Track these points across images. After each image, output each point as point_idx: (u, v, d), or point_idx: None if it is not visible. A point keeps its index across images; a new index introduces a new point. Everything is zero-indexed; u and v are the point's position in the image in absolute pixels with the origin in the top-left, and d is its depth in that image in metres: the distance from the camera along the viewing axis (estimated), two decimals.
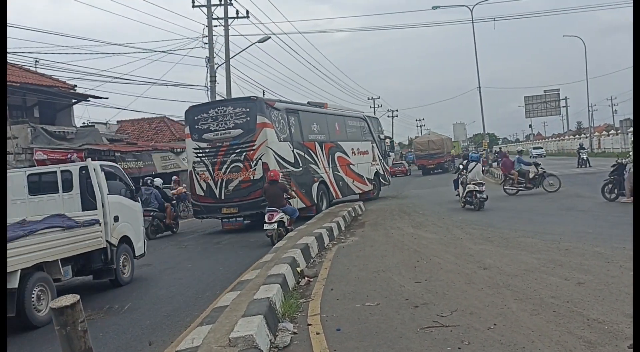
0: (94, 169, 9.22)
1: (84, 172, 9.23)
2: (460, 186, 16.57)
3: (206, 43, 26.64)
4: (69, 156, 19.08)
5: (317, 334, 5.23)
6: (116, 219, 9.35)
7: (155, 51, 35.39)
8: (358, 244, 10.73)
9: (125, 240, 9.63)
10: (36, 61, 23.61)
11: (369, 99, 69.37)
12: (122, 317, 7.09)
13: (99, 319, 7.11)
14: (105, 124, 30.60)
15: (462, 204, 15.60)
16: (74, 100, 24.29)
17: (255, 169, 14.65)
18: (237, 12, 27.56)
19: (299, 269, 7.94)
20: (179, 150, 26.84)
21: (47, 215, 8.58)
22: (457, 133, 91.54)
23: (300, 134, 16.84)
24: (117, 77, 30.00)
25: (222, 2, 26.86)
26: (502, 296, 5.88)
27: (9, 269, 6.61)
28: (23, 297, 6.85)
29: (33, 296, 7.00)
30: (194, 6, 26.12)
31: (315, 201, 16.73)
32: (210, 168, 15.10)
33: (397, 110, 75.82)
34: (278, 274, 6.93)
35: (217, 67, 27.39)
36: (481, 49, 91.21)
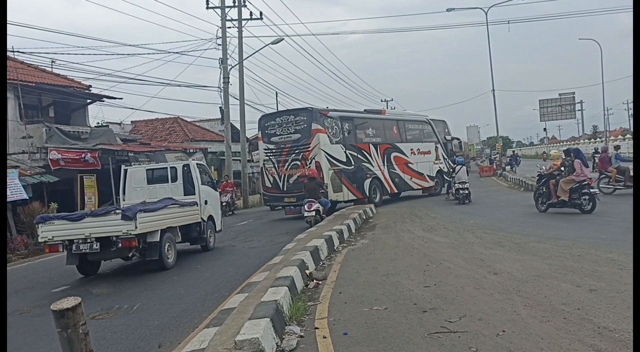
0: (193, 166, 12.94)
1: (186, 168, 12.94)
2: (451, 186, 19.68)
3: (220, 44, 26.77)
4: (82, 156, 19.24)
5: (324, 337, 5.20)
6: (205, 202, 12.91)
7: (169, 52, 35.72)
8: (368, 247, 10.68)
9: (211, 218, 13.22)
10: (52, 61, 23.87)
11: (382, 101, 69.16)
12: (131, 317, 7.12)
13: (108, 319, 7.15)
14: (119, 124, 30.85)
15: (456, 199, 18.78)
16: (88, 101, 24.51)
17: (310, 167, 17.47)
18: (251, 13, 27.71)
19: (307, 271, 7.92)
20: (191, 151, 26.98)
21: (160, 198, 11.89)
22: (470, 136, 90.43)
23: (354, 137, 19.79)
24: (131, 78, 30.15)
25: (236, 4, 26.97)
26: (512, 302, 5.80)
27: (154, 229, 10.21)
28: (160, 248, 10.41)
29: (165, 247, 10.59)
30: (208, 7, 26.26)
31: (368, 194, 19.63)
32: (275, 165, 18.53)
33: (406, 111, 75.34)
34: (286, 276, 6.91)
35: (231, 69, 27.50)
36: (496, 52, 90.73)
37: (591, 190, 13.62)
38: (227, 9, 26.87)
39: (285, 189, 18.34)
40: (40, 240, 10.31)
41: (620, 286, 6.08)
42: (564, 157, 14.98)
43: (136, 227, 9.66)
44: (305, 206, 14.55)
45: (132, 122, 34.69)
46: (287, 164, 18.24)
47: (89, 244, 9.81)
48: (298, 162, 18.01)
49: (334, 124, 18.87)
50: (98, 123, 27.20)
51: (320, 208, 14.70)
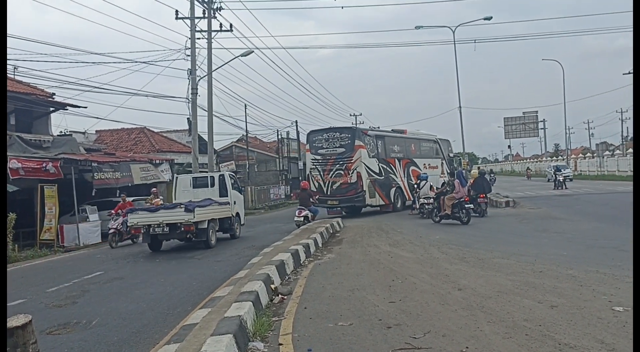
0: (226, 176, 18.05)
1: (221, 177, 17.90)
2: (416, 201, 20.77)
3: (189, 55, 26.49)
4: (43, 165, 18.68)
5: None
6: (234, 202, 17.55)
7: (137, 61, 35.16)
8: (334, 261, 10.64)
9: (238, 214, 17.95)
10: (15, 68, 23.24)
11: (351, 115, 69.61)
12: (90, 332, 6.89)
13: (65, 334, 6.91)
14: (83, 133, 30.22)
15: (420, 214, 19.73)
16: (51, 109, 23.94)
17: (351, 176, 21.27)
18: (221, 25, 27.53)
19: (273, 286, 7.82)
20: (158, 161, 26.52)
21: (202, 198, 16.14)
22: None
23: (384, 153, 23.32)
24: (96, 87, 29.58)
25: (206, 16, 26.83)
26: (475, 318, 5.84)
27: (204, 219, 14.63)
28: (207, 232, 14.87)
29: (210, 232, 15.10)
30: (177, 18, 26.01)
31: (392, 201, 23.07)
32: (321, 173, 21.94)
33: (378, 128, 75.98)
34: (251, 291, 6.81)
35: (199, 80, 27.25)
36: (463, 70, 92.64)
37: (466, 205, 16.39)
38: (196, 20, 26.69)
39: (329, 193, 21.75)
40: (129, 224, 15.48)
41: (580, 302, 6.19)
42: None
43: (194, 217, 14.22)
44: (297, 212, 17.60)
45: (96, 131, 34.01)
46: (332, 172, 21.70)
47: (161, 228, 14.38)
48: (341, 172, 21.52)
49: (371, 141, 22.48)
50: (61, 132, 26.58)
51: (309, 215, 17.57)
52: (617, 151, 57.43)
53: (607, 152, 55.46)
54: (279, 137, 50.37)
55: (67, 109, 24.01)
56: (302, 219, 17.21)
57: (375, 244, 12.82)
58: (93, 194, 20.79)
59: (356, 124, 70.22)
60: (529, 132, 73.37)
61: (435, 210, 17.47)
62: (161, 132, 36.79)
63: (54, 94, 23.65)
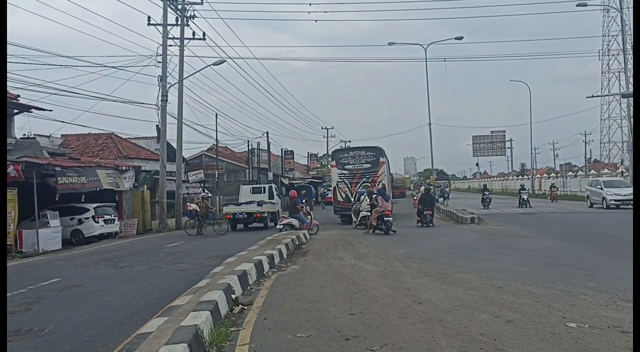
0: (273, 186, 28.21)
1: (270, 187, 27.73)
2: (353, 215, 22.97)
3: (160, 61, 26.30)
4: None
5: None
6: (277, 203, 27.00)
7: (106, 66, 34.46)
8: (298, 273, 10.61)
9: (278, 211, 26.59)
10: None
11: (322, 128, 69.99)
12: (41, 340, 6.69)
13: (15, 341, 6.69)
14: (48, 137, 29.55)
15: (355, 226, 22.00)
16: (15, 111, 23.37)
17: (377, 187, 22.77)
18: (194, 33, 27.49)
19: (233, 296, 7.74)
20: (123, 168, 26.07)
21: (258, 200, 25.40)
22: (407, 167, 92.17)
23: (388, 168, 28.46)
24: (64, 90, 29.03)
25: (179, 23, 26.71)
26: (433, 331, 5.88)
27: (265, 210, 24.96)
28: (267, 219, 25.02)
29: (268, 219, 25.15)
30: (149, 24, 25.83)
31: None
32: (348, 186, 25.93)
33: (350, 141, 76.58)
34: (210, 300, 6.72)
35: (170, 87, 27.06)
36: (434, 88, 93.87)
37: (386, 218, 18.24)
38: (169, 27, 26.57)
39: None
40: (223, 213, 25.70)
41: (535, 318, 6.29)
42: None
43: (262, 209, 24.27)
44: (279, 220, 20.64)
45: (62, 135, 33.31)
46: (359, 185, 25.45)
47: (242, 215, 24.41)
48: (368, 184, 25.04)
49: (387, 159, 27.37)
50: (24, 135, 25.96)
51: (295, 222, 19.06)
52: (580, 172, 58.97)
53: (570, 173, 56.89)
54: (250, 147, 50.22)
55: (31, 112, 23.49)
56: (281, 226, 18.97)
57: (340, 256, 12.83)
58: (57, 198, 20.33)
59: (327, 138, 70.89)
60: (496, 151, 74.70)
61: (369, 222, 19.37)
62: (129, 138, 36.25)
63: (18, 95, 23.14)
